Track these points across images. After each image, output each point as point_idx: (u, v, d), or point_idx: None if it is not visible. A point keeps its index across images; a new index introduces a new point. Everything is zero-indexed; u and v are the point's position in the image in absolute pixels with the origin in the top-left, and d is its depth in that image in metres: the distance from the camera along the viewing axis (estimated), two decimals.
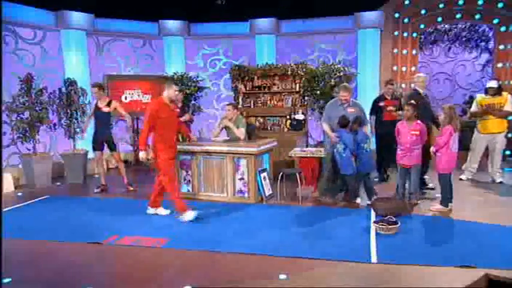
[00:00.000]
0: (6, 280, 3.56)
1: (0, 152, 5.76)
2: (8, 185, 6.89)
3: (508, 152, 8.13)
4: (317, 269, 3.67)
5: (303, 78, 7.94)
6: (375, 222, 4.63)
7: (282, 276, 3.50)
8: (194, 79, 8.93)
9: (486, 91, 6.59)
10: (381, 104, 6.76)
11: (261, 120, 8.38)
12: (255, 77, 8.28)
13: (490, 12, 8.32)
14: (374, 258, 3.83)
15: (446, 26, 9.78)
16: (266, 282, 3.44)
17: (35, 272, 3.78)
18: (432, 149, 5.26)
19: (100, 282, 3.52)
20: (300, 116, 7.96)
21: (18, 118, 7.00)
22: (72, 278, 3.61)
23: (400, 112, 6.36)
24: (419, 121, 5.46)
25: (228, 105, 6.53)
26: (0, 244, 2.61)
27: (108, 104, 6.70)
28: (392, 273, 3.55)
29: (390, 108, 6.63)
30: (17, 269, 3.79)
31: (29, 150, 7.35)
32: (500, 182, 6.53)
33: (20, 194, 6.72)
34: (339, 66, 8.12)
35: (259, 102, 8.34)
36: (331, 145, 5.70)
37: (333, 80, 7.80)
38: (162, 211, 5.41)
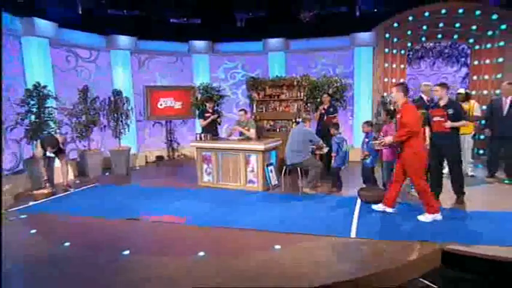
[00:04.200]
0: (65, 244, 3.98)
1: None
2: (69, 174, 7.36)
3: (481, 152, 8.13)
4: (305, 242, 3.93)
5: (306, 88, 8.14)
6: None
7: (277, 247, 3.79)
8: (217, 89, 9.30)
9: (456, 98, 6.61)
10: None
11: (271, 123, 8.61)
12: (267, 87, 8.52)
13: (466, 33, 8.30)
14: (353, 234, 4.06)
15: (431, 44, 9.77)
16: (263, 251, 3.72)
17: (86, 239, 4.19)
18: None
19: (135, 247, 3.89)
20: None
21: (77, 121, 7.47)
22: (114, 244, 4.01)
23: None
24: (391, 124, 5.54)
25: (240, 110, 6.95)
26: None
27: None
28: (365, 246, 3.77)
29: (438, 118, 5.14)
30: (72, 237, 4.22)
31: (84, 146, 7.85)
32: (472, 176, 6.58)
33: (77, 181, 7.20)
34: (336, 78, 8.33)
35: (270, 108, 8.56)
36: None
37: (331, 90, 8.03)
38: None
